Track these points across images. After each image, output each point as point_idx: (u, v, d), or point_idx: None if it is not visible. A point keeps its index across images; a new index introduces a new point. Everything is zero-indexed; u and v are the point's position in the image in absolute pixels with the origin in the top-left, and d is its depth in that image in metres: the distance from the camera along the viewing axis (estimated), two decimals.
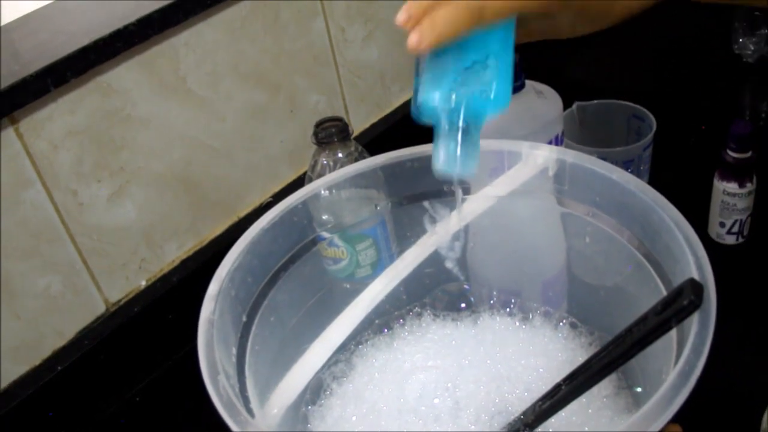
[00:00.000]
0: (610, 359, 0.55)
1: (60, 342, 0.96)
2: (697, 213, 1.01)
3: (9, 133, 0.85)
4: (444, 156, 0.60)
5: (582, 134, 1.07)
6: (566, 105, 0.93)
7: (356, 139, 0.93)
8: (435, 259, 0.78)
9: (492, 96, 0.57)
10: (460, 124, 0.59)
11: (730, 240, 1.01)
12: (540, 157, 0.75)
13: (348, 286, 0.85)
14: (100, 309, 0.99)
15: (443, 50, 0.55)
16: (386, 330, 0.86)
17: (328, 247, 0.82)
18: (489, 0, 0.53)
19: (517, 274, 0.84)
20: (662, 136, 1.03)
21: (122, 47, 0.91)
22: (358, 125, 1.26)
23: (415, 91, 0.59)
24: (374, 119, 1.28)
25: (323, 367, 0.74)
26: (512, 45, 0.58)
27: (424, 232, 0.76)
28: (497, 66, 0.57)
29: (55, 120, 0.89)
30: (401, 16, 0.52)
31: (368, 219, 0.83)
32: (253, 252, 0.70)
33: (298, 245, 0.77)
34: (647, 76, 1.43)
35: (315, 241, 0.79)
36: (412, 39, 0.52)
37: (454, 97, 0.57)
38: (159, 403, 0.99)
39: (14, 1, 0.99)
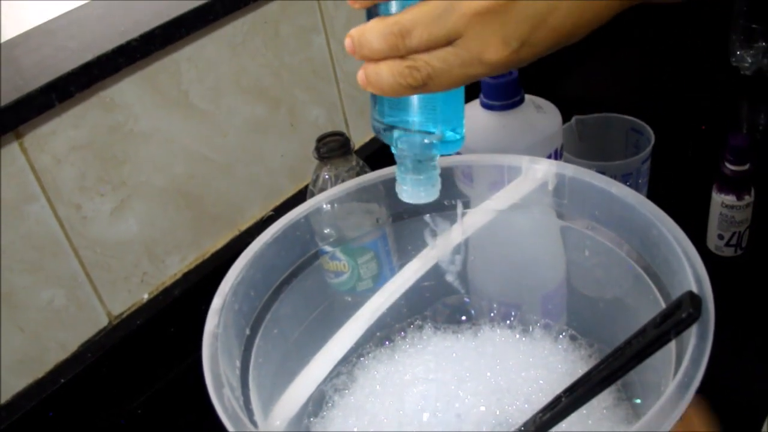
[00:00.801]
0: (610, 371, 0.55)
1: (63, 355, 0.96)
2: (695, 225, 1.02)
3: (13, 147, 0.86)
4: (401, 187, 0.61)
5: (581, 148, 1.07)
6: (565, 119, 0.93)
7: (356, 152, 0.94)
8: (436, 273, 0.78)
9: (436, 140, 0.56)
10: (407, 162, 0.59)
11: (729, 252, 1.02)
12: (539, 171, 0.75)
13: (349, 299, 0.85)
14: (103, 322, 1.00)
15: None
16: (387, 342, 0.86)
17: (330, 260, 0.83)
18: (435, 75, 0.50)
19: (517, 287, 0.85)
20: (660, 149, 1.03)
21: (125, 62, 0.91)
22: (358, 139, 1.26)
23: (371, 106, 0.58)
24: (374, 133, 1.28)
25: (325, 379, 0.74)
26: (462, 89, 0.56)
27: (424, 245, 0.77)
28: (444, 108, 0.56)
29: (59, 134, 0.89)
30: (348, 44, 0.51)
31: (369, 233, 0.84)
32: (256, 266, 0.71)
33: (300, 259, 0.78)
34: (645, 90, 1.44)
35: (317, 255, 0.80)
36: (360, 77, 0.52)
37: (396, 134, 0.57)
38: (161, 415, 0.99)
39: None
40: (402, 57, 0.50)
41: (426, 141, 0.56)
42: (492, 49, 0.49)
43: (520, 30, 0.49)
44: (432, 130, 0.56)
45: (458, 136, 0.57)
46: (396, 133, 0.57)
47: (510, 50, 0.49)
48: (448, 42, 0.49)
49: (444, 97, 0.55)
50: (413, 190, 0.61)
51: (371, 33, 0.50)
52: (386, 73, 0.50)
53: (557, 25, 0.50)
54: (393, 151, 0.59)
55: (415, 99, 0.55)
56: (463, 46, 0.49)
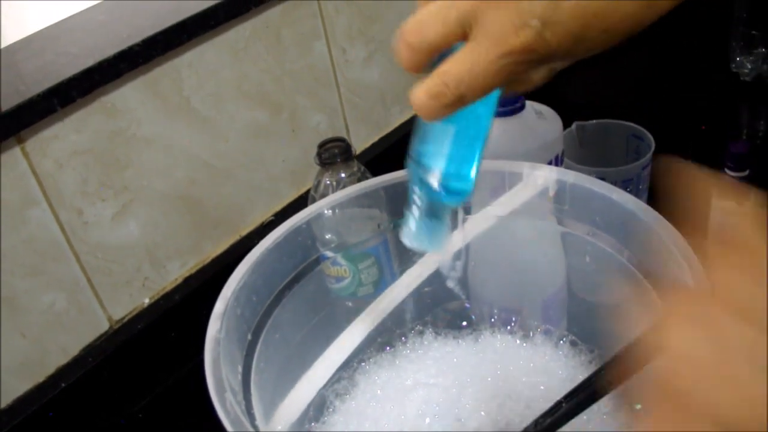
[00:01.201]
0: (611, 377, 0.55)
1: (64, 359, 0.96)
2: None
3: (15, 152, 0.86)
4: (406, 229, 0.59)
5: (581, 154, 1.07)
6: (565, 125, 0.93)
7: (357, 158, 0.94)
8: (436, 278, 0.79)
9: (446, 188, 0.54)
10: (417, 201, 0.57)
11: None
12: (540, 177, 0.76)
13: (350, 304, 0.85)
14: (104, 326, 1.00)
15: None
16: (388, 348, 0.86)
17: (332, 266, 0.83)
18: (465, 79, 0.48)
19: (517, 293, 0.85)
20: (661, 155, 1.03)
21: (127, 68, 0.92)
22: (358, 145, 1.26)
23: None
24: (375, 138, 1.29)
25: (326, 384, 0.74)
26: (486, 127, 0.54)
27: (425, 251, 0.77)
28: (454, 143, 0.54)
29: (61, 139, 0.90)
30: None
31: (371, 238, 0.84)
32: (258, 271, 0.71)
33: (302, 264, 0.78)
34: (645, 96, 1.44)
35: (318, 261, 0.80)
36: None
37: (413, 173, 0.55)
38: (162, 419, 0.99)
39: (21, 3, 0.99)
40: (434, 78, 0.49)
41: (425, 178, 0.54)
42: (512, 32, 0.47)
43: (534, 6, 0.46)
44: (432, 166, 0.54)
45: (463, 183, 0.55)
46: (410, 169, 0.55)
47: (533, 31, 0.46)
48: (464, 31, 0.48)
49: (455, 131, 0.53)
50: (412, 233, 0.58)
51: (400, 41, 0.50)
52: (422, 94, 0.49)
53: (581, 4, 0.47)
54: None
55: (429, 129, 0.53)
56: (483, 35, 0.47)
